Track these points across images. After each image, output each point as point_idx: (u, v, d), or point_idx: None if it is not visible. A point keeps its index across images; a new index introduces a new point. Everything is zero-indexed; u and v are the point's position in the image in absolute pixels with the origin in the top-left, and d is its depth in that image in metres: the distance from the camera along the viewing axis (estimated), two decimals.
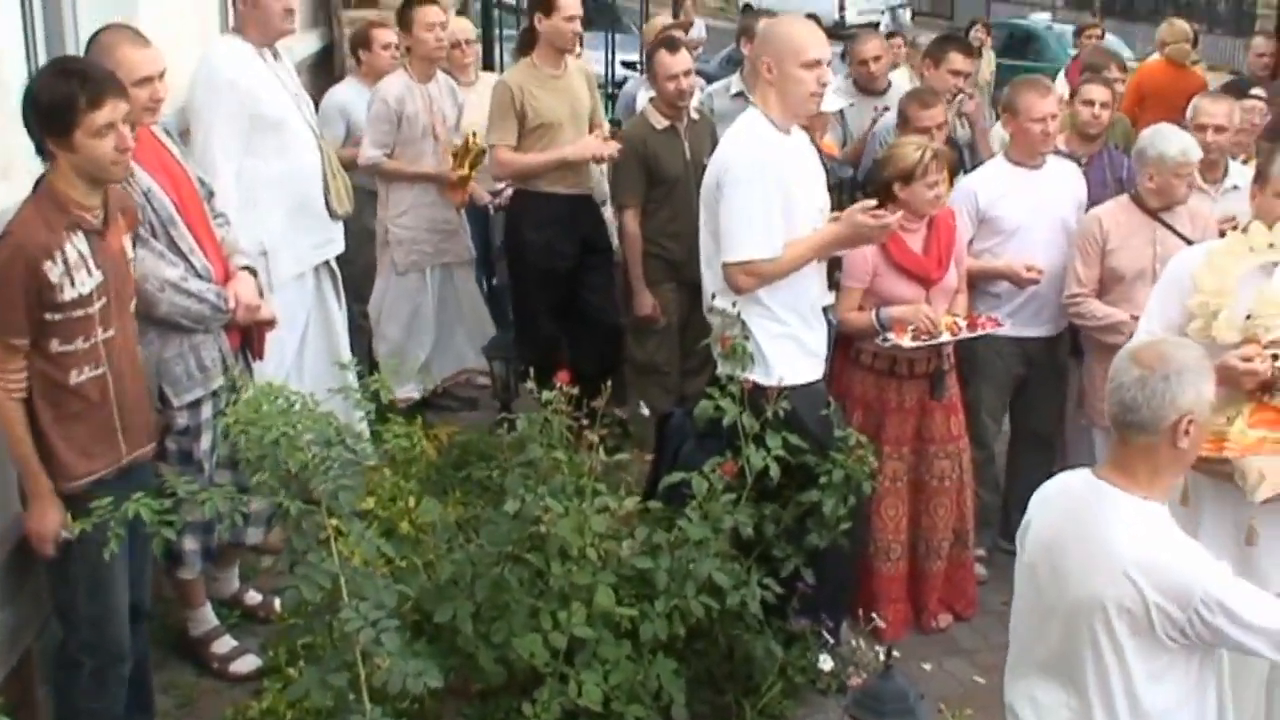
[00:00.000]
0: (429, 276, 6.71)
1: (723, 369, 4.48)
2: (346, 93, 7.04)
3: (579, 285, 6.29)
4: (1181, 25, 9.52)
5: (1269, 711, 3.93)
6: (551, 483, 4.01)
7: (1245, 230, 4.06)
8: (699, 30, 17.29)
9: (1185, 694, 2.98)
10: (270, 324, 4.60)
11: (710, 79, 8.58)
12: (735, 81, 6.89)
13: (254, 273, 4.60)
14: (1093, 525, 2.98)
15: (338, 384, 3.90)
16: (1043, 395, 5.64)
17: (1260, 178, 4.20)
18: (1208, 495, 3.88)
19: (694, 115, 6.21)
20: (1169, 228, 5.16)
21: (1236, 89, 6.27)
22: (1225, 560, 3.06)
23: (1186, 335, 3.89)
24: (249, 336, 4.56)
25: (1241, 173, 5.54)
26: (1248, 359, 3.82)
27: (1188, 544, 2.97)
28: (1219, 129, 5.68)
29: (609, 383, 4.39)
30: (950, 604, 5.24)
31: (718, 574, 4.05)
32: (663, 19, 8.86)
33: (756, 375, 4.43)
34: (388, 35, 7.06)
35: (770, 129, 4.47)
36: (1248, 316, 3.91)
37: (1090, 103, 5.83)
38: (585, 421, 4.18)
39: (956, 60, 6.48)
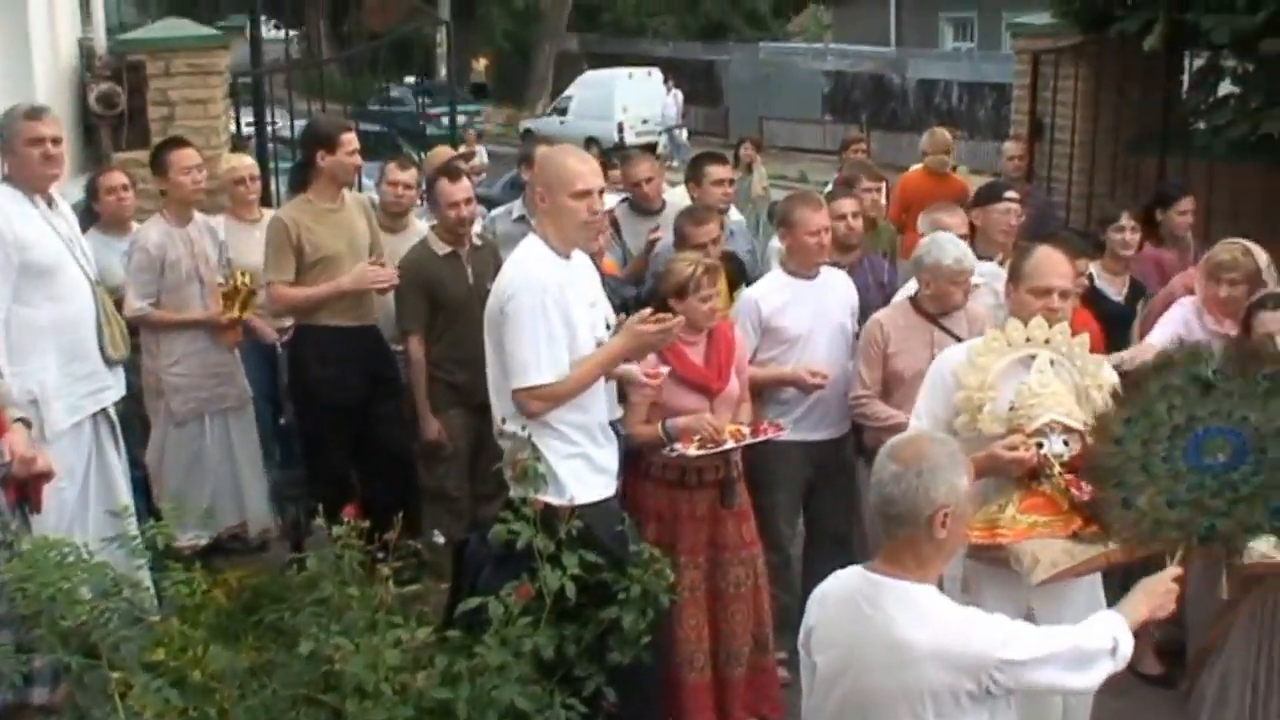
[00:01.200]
0: (207, 422, 6.59)
1: (515, 492, 4.49)
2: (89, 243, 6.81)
3: (368, 417, 6.23)
4: (942, 134, 10.05)
5: None
6: (345, 619, 3.92)
7: (1002, 328, 4.29)
8: (481, 157, 17.52)
9: None
10: (47, 476, 4.44)
11: (493, 203, 8.68)
12: (517, 206, 7.00)
13: (28, 424, 4.44)
14: (878, 619, 3.09)
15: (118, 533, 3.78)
16: (832, 495, 5.80)
17: (1014, 275, 4.45)
18: (987, 581, 4.05)
19: (476, 241, 6.28)
20: (947, 331, 5.40)
21: (994, 191, 6.64)
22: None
23: (955, 430, 4.08)
24: (25, 490, 4.39)
25: (996, 273, 5.84)
26: (1013, 448, 4.01)
27: (965, 614, 3.12)
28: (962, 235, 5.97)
29: (401, 513, 4.35)
30: (755, 709, 5.28)
31: (520, 699, 4.01)
32: (445, 149, 8.94)
33: (549, 496, 4.45)
34: (113, 179, 6.87)
35: (550, 253, 4.54)
36: (1011, 408, 4.13)
37: (841, 216, 6.15)
38: (379, 554, 4.12)
39: (715, 173, 6.79)
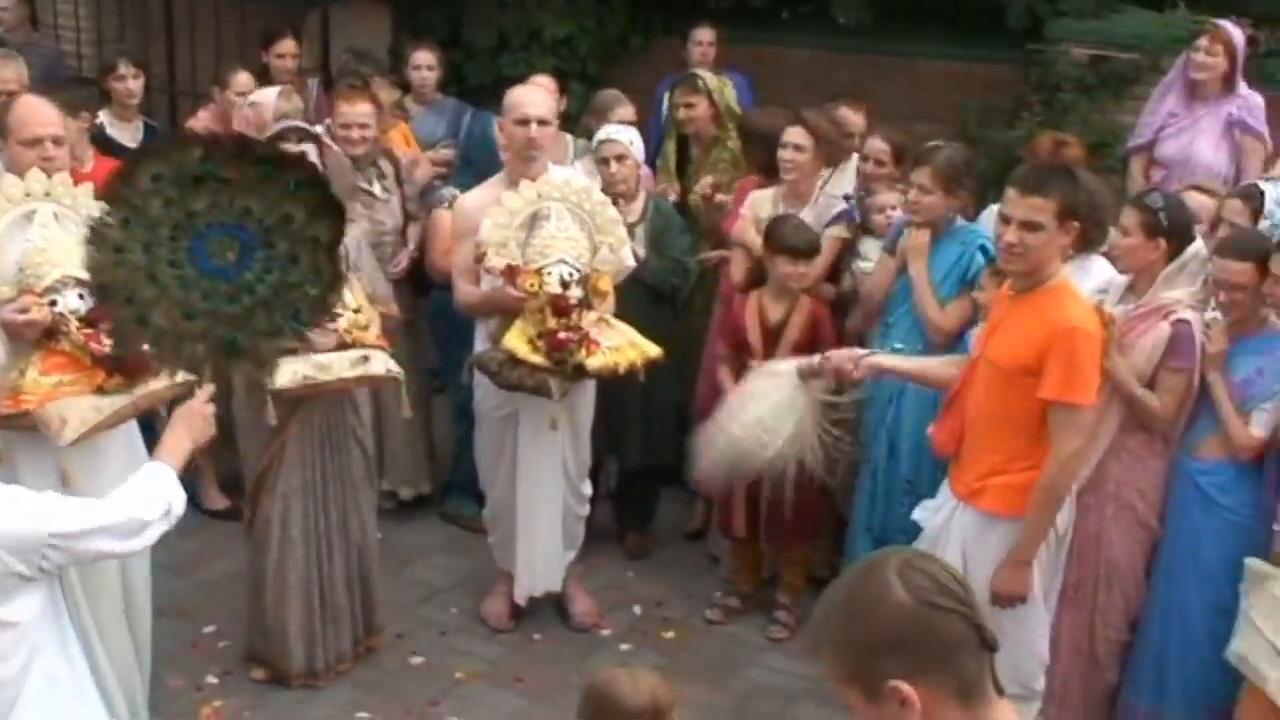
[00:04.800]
0: None
1: None
2: None
3: None
4: None
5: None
6: None
7: None
8: None
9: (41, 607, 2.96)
10: None
11: None
12: None
13: None
14: None
15: None
16: None
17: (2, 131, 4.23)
18: (21, 450, 3.89)
19: None
20: None
21: None
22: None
23: None
24: None
25: None
26: (24, 310, 3.84)
27: (12, 493, 2.93)
28: None
29: None
30: None
31: None
32: None
33: None
34: None
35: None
36: (21, 269, 3.94)
37: None
38: None
39: None
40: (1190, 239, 4.45)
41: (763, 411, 4.40)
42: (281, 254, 3.40)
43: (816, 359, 4.47)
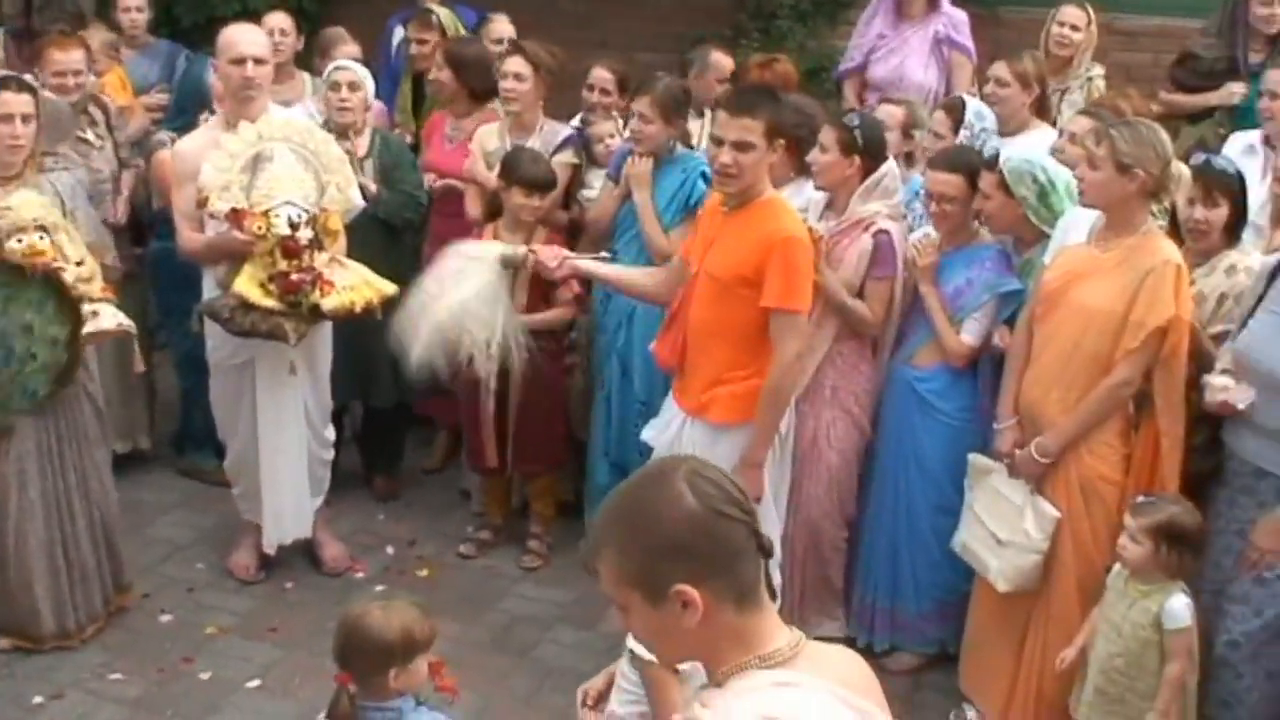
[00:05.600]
0: None
1: None
2: None
3: None
4: None
5: None
6: None
7: None
8: None
9: None
10: None
11: None
12: None
13: None
14: None
15: None
16: None
17: None
18: None
19: None
20: None
21: None
22: None
23: None
24: None
25: None
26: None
27: None
28: None
29: None
30: None
31: None
32: None
33: None
34: None
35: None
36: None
37: None
38: None
39: None
40: (884, 157, 4.68)
41: (467, 295, 4.46)
42: (21, 353, 4.30)
43: (522, 249, 4.59)
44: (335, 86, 5.46)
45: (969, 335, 4.54)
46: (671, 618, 1.83)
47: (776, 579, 4.47)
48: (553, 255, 4.53)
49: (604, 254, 4.92)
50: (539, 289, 5.08)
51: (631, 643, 2.67)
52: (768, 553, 1.89)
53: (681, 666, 2.30)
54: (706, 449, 4.15)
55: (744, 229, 4.10)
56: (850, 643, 4.34)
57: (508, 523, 5.65)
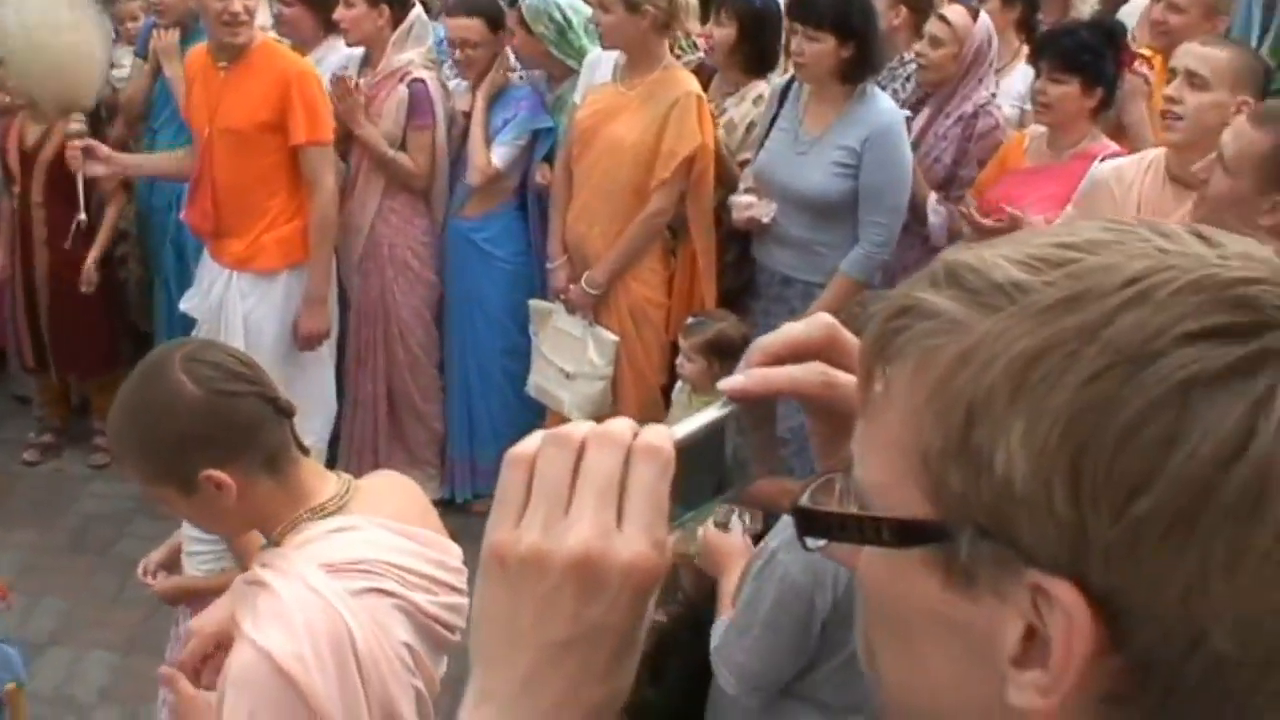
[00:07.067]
0: None
1: None
2: None
3: None
4: None
5: None
6: None
7: None
8: None
9: None
10: None
11: None
12: None
13: None
14: None
15: None
16: None
17: None
18: None
19: None
20: None
21: None
22: None
23: None
24: None
25: None
26: None
27: None
28: None
29: None
30: None
31: None
32: None
33: None
34: None
35: None
36: None
37: None
38: None
39: None
40: (411, 5, 4.66)
41: None
42: None
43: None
44: None
45: (497, 159, 4.59)
46: (210, 501, 1.86)
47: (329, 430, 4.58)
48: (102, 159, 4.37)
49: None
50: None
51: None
52: (288, 413, 1.91)
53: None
54: (260, 300, 4.22)
55: (248, 77, 4.13)
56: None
57: (70, 424, 5.42)
